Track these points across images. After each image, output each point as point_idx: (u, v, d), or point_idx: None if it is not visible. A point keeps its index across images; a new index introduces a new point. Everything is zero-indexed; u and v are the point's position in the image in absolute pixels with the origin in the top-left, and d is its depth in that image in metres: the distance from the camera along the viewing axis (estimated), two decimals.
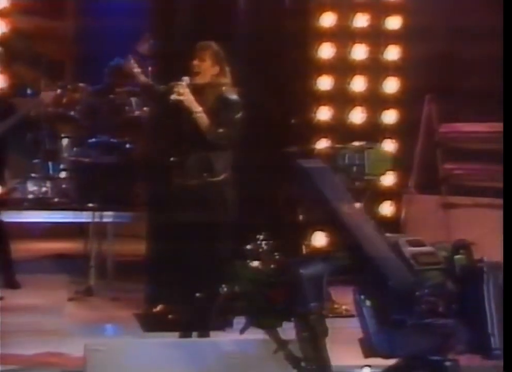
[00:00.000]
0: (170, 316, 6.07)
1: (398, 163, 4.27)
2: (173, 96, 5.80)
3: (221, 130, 5.79)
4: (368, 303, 3.91)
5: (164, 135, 6.29)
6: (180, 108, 5.83)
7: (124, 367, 4.79)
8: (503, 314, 3.98)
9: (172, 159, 5.93)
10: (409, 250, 3.95)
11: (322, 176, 4.08)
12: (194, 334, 5.72)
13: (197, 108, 5.80)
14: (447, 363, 3.88)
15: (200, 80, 5.85)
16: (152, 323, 6.09)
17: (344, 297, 6.79)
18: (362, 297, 3.93)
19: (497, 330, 3.85)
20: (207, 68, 5.86)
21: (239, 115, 5.85)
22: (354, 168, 4.20)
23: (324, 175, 4.10)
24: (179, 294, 6.00)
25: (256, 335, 5.59)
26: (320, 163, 4.21)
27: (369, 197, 4.25)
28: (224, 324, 5.97)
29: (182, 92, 5.81)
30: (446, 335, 3.84)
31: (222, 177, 5.86)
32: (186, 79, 5.84)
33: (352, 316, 6.65)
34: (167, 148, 6.10)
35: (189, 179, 5.83)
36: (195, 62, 5.85)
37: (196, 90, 5.85)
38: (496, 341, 3.82)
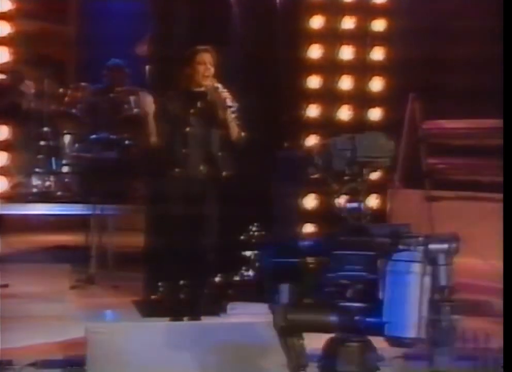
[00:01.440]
0: (166, 302, 6.11)
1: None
2: (210, 96, 5.84)
3: (243, 134, 5.94)
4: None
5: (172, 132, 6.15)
6: (211, 108, 5.89)
7: (124, 348, 4.87)
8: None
9: (183, 151, 5.92)
10: None
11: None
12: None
13: (231, 114, 5.87)
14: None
15: (207, 83, 5.91)
16: (149, 309, 6.13)
17: None
18: None
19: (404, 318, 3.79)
20: (211, 71, 5.93)
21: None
22: (348, 153, 4.12)
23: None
24: (176, 282, 6.08)
25: (250, 319, 5.76)
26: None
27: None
28: (218, 309, 6.14)
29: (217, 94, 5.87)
30: (350, 316, 3.89)
31: (225, 173, 5.96)
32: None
33: None
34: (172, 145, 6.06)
35: (196, 173, 5.89)
36: (208, 65, 5.91)
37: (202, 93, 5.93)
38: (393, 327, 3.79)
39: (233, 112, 5.96)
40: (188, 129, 5.93)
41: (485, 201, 7.83)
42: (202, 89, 5.91)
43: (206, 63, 5.90)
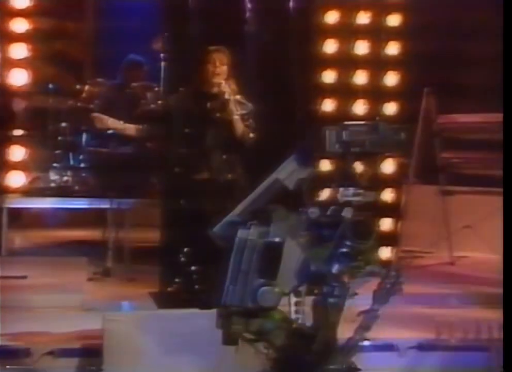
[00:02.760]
0: (182, 294, 6.10)
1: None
2: (226, 96, 5.82)
3: (252, 135, 5.91)
4: None
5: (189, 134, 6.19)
6: (222, 109, 5.88)
7: (140, 337, 4.91)
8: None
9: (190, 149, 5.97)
10: None
11: None
12: None
13: (237, 111, 5.86)
14: None
15: (218, 82, 5.90)
16: (165, 301, 6.12)
17: None
18: None
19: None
20: (224, 71, 5.93)
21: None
22: (367, 142, 4.04)
23: None
24: (191, 275, 6.09)
25: None
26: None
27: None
28: None
29: (228, 92, 5.86)
30: None
31: (237, 175, 5.99)
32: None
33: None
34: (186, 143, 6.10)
35: (209, 175, 5.93)
36: (217, 65, 5.89)
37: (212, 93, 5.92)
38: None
39: (245, 113, 5.95)
40: (197, 127, 5.95)
41: (500, 195, 7.76)
42: (214, 88, 5.90)
43: (218, 63, 5.90)
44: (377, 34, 7.77)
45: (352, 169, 4.08)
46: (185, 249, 6.18)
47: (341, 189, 4.02)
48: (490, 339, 5.30)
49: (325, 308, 3.97)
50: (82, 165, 8.56)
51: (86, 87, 8.93)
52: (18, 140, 7.94)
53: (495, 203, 7.83)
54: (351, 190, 4.01)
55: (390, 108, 7.80)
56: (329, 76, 7.64)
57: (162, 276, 6.45)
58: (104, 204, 7.68)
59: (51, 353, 5.03)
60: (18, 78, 7.94)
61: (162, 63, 7.39)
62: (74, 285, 6.61)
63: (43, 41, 8.69)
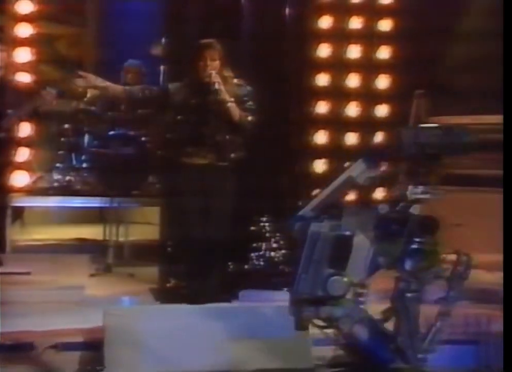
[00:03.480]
0: (181, 290, 6.15)
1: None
2: (216, 86, 5.82)
3: (250, 118, 5.93)
4: None
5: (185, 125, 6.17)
6: (214, 98, 5.88)
7: (140, 330, 4.91)
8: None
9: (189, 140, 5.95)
10: None
11: None
12: None
13: (230, 98, 5.87)
14: None
15: (209, 73, 5.89)
16: (165, 296, 6.17)
17: None
18: None
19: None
20: (216, 65, 5.93)
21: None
22: (440, 145, 4.16)
23: None
24: (190, 271, 6.11)
25: (265, 302, 5.81)
26: None
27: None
28: (230, 297, 6.15)
29: (218, 81, 5.85)
30: None
31: (232, 159, 5.97)
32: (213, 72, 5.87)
33: None
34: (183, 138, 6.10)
35: (205, 159, 5.91)
36: (208, 61, 5.90)
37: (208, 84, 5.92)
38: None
39: (243, 95, 5.96)
40: (193, 118, 5.95)
41: (487, 194, 7.77)
42: (206, 79, 5.89)
43: (209, 59, 5.91)
44: (369, 38, 7.81)
45: (423, 169, 4.19)
46: (181, 246, 6.22)
47: (410, 187, 4.13)
48: (478, 333, 5.30)
49: (404, 303, 4.10)
50: (84, 165, 8.60)
51: (88, 90, 8.96)
52: (22, 141, 7.97)
53: (483, 201, 7.89)
54: (420, 188, 4.13)
55: (382, 110, 7.85)
56: (322, 79, 7.67)
57: (161, 272, 6.51)
58: (105, 203, 7.74)
59: (54, 347, 5.02)
60: (23, 80, 7.98)
61: (162, 67, 7.44)
62: (76, 281, 6.63)
63: (46, 44, 8.72)
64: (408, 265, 4.08)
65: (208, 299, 5.70)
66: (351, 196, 4.12)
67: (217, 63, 5.95)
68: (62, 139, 8.70)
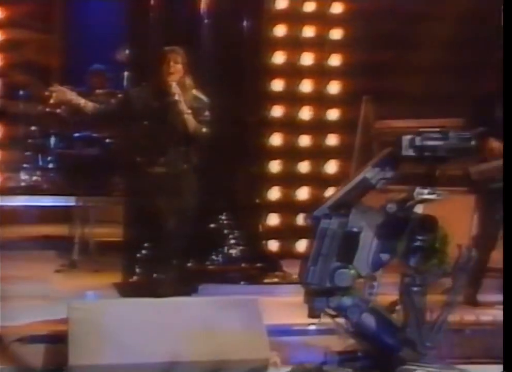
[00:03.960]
0: (143, 284, 6.05)
1: None
2: (176, 97, 5.71)
3: (204, 129, 5.83)
4: None
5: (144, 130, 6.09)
6: (172, 108, 5.78)
7: (103, 323, 4.86)
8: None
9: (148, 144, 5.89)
10: None
11: None
12: None
13: (187, 110, 5.76)
14: None
15: (173, 81, 5.80)
16: (128, 291, 6.10)
17: (293, 268, 6.98)
18: None
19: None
20: (179, 70, 5.82)
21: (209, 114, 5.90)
22: (438, 148, 4.22)
23: None
24: (152, 266, 6.03)
25: (223, 296, 5.75)
26: None
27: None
28: (190, 291, 6.08)
29: (178, 93, 5.76)
30: None
31: (191, 166, 5.89)
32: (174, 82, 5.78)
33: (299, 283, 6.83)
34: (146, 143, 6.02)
35: (166, 168, 5.83)
36: (171, 64, 5.78)
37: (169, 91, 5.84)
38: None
39: (200, 108, 5.88)
40: (154, 123, 5.87)
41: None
42: (167, 88, 5.79)
43: (173, 63, 5.80)
44: (321, 46, 7.84)
45: (427, 171, 4.28)
46: (144, 243, 6.17)
47: (417, 188, 4.20)
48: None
49: (410, 296, 4.18)
50: (50, 166, 8.61)
51: (54, 94, 8.87)
52: None
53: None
54: (426, 189, 4.21)
55: (333, 114, 7.89)
56: (277, 85, 7.69)
57: (124, 268, 6.43)
58: (71, 202, 7.66)
59: (21, 340, 4.97)
60: None
61: (125, 72, 7.40)
62: (42, 277, 6.56)
63: (14, 50, 8.64)
64: (411, 261, 4.19)
65: (169, 293, 5.65)
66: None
67: (179, 66, 5.83)
68: (29, 140, 8.66)
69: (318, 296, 4.18)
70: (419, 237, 4.17)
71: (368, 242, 4.19)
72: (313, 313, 4.29)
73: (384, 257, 4.22)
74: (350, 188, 4.34)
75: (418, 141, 4.20)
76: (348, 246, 4.16)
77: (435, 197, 4.21)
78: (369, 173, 4.30)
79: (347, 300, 4.19)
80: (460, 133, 4.29)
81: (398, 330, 4.21)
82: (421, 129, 4.32)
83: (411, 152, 4.22)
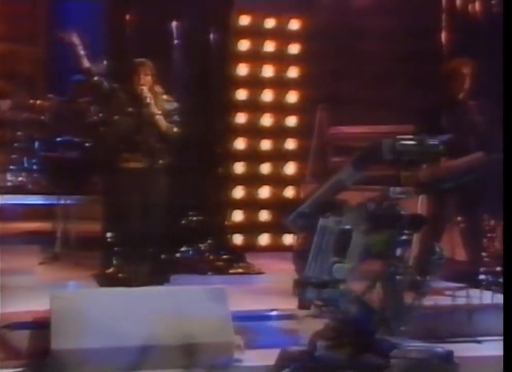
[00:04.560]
0: (119, 275, 6.09)
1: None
2: (147, 100, 5.81)
3: (175, 129, 5.92)
4: None
5: (120, 133, 6.16)
6: (146, 110, 5.87)
7: (83, 311, 4.85)
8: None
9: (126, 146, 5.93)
10: None
11: None
12: None
13: (158, 111, 5.86)
14: None
15: (142, 89, 5.89)
16: (105, 281, 6.09)
17: (256, 260, 7.04)
18: None
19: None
20: (149, 81, 5.92)
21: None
22: (414, 152, 4.21)
23: None
24: (127, 259, 6.08)
25: (191, 286, 5.72)
26: None
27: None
28: (163, 280, 6.08)
29: (149, 96, 5.85)
30: None
31: (162, 163, 5.94)
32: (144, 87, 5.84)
33: (262, 273, 6.91)
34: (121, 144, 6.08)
35: (140, 164, 5.90)
36: (142, 75, 5.88)
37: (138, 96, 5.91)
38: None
39: (170, 110, 5.95)
40: (128, 127, 5.94)
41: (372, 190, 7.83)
42: (139, 93, 5.88)
43: (143, 74, 5.89)
44: (280, 59, 7.88)
45: (402, 173, 4.26)
46: (122, 237, 6.17)
47: (391, 188, 4.22)
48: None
49: (393, 283, 4.18)
50: (35, 167, 8.54)
51: (38, 102, 8.88)
52: None
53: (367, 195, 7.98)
54: (398, 189, 4.22)
55: (291, 121, 7.92)
56: (241, 94, 7.71)
57: (102, 260, 6.40)
58: (53, 200, 7.61)
59: (7, 327, 4.94)
60: None
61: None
62: (27, 269, 6.50)
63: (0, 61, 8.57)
64: (398, 252, 4.21)
65: (143, 283, 5.68)
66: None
67: (149, 78, 5.93)
68: (15, 144, 8.59)
69: (314, 288, 4.13)
70: (407, 232, 4.19)
71: (357, 238, 4.18)
72: (303, 305, 4.26)
73: (370, 250, 4.21)
74: (325, 189, 4.36)
75: (398, 146, 4.20)
76: (342, 242, 4.16)
77: (405, 196, 4.25)
78: (342, 175, 4.32)
79: (337, 291, 4.17)
80: (431, 139, 4.30)
81: (376, 314, 4.21)
82: (399, 136, 4.29)
83: (391, 156, 4.21)
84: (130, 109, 5.96)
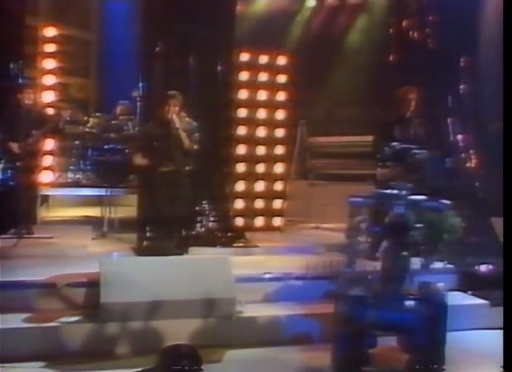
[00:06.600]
0: (151, 248, 6.07)
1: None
2: (176, 125, 5.87)
3: (195, 146, 5.98)
4: None
5: (153, 145, 6.15)
6: (174, 132, 5.93)
7: (124, 273, 4.85)
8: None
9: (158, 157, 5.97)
10: None
11: None
12: None
13: (183, 133, 5.90)
14: None
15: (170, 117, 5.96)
16: (141, 252, 6.06)
17: (253, 237, 7.06)
18: None
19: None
20: (177, 110, 5.98)
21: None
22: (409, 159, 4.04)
23: None
24: (157, 235, 6.11)
25: (204, 255, 5.80)
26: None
27: None
28: (183, 251, 6.03)
29: (178, 122, 5.91)
30: None
31: (186, 168, 6.02)
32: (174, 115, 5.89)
33: (257, 247, 6.90)
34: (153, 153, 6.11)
35: (168, 168, 5.96)
36: (172, 107, 5.92)
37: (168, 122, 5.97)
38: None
39: (191, 129, 5.99)
40: (160, 143, 6.01)
41: (347, 186, 7.86)
42: (169, 118, 5.95)
43: (173, 105, 5.94)
44: (271, 86, 7.85)
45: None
46: (153, 219, 6.16)
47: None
48: (336, 272, 5.28)
49: (396, 256, 3.94)
50: (88, 168, 8.53)
51: (91, 119, 8.92)
52: (48, 152, 7.87)
53: (344, 191, 8.00)
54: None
55: (280, 133, 7.89)
56: (242, 112, 7.70)
57: (138, 237, 6.36)
58: (102, 192, 7.61)
59: (68, 285, 4.96)
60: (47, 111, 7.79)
61: (138, 103, 7.42)
62: (83, 243, 6.56)
63: (63, 89, 8.58)
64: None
65: (169, 253, 5.68)
66: None
67: (177, 108, 5.98)
68: (74, 151, 8.61)
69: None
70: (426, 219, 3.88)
71: None
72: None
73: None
74: None
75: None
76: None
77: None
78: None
79: None
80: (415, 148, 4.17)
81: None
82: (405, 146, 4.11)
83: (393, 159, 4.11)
84: (161, 130, 6.00)
